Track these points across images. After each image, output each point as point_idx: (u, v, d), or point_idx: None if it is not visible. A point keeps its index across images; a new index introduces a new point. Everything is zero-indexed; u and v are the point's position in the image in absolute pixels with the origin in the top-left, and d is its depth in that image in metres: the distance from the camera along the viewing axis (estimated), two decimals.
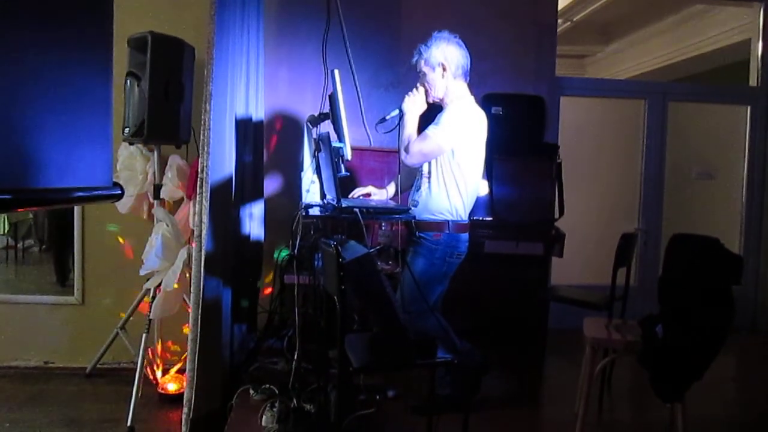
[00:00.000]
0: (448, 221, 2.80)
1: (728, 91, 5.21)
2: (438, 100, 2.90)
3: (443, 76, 2.84)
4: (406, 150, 2.78)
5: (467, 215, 2.89)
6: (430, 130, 2.77)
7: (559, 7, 4.68)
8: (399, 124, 2.87)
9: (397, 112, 2.90)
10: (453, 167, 2.78)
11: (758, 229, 4.90)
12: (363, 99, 4.11)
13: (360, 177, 3.81)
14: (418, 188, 2.90)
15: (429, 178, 2.83)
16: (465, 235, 2.88)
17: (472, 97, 2.91)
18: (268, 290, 3.89)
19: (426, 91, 2.89)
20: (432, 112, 2.89)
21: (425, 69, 2.86)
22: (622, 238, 3.37)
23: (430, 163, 2.83)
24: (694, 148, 5.04)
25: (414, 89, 2.90)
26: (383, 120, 2.93)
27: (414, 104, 2.87)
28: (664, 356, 2.42)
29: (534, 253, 3.84)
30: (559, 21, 5.28)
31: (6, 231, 4.68)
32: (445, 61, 2.82)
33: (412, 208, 2.86)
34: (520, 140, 4.09)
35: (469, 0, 4.28)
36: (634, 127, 4.90)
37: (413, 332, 2.45)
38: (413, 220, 2.82)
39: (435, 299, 2.88)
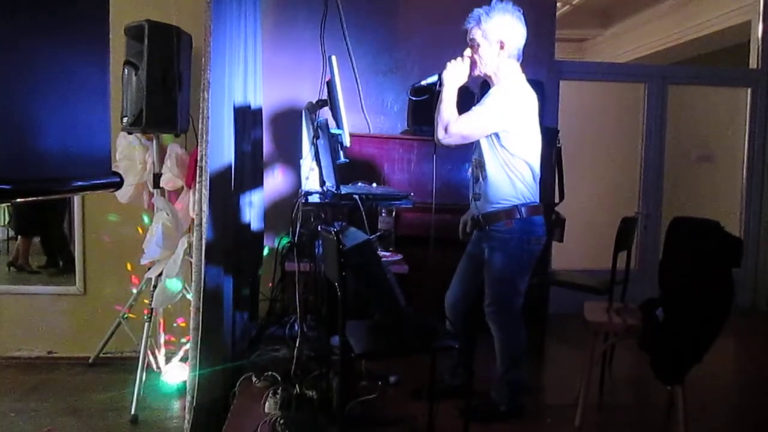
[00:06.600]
0: (516, 206, 2.54)
1: (728, 74, 5.19)
2: (485, 76, 2.62)
3: (498, 54, 2.53)
4: (446, 130, 2.49)
5: (537, 197, 2.63)
6: (475, 111, 2.51)
7: None
8: (436, 95, 2.57)
9: (435, 78, 2.59)
10: (504, 151, 2.52)
11: (758, 211, 4.90)
12: (362, 85, 4.11)
13: (359, 164, 3.80)
14: (477, 179, 2.64)
15: (483, 167, 2.58)
16: (540, 218, 2.61)
17: (523, 76, 2.61)
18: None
19: (472, 62, 2.58)
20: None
21: (480, 40, 2.53)
22: (622, 222, 3.36)
23: (481, 151, 2.59)
24: (694, 131, 5.02)
25: (459, 57, 2.57)
26: (420, 86, 2.65)
27: (456, 74, 2.55)
28: (664, 339, 2.43)
29: None
30: (558, 4, 5.26)
31: (6, 222, 4.69)
32: (505, 38, 2.52)
33: (474, 201, 2.67)
34: None
35: None
36: (633, 111, 4.88)
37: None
38: (480, 215, 2.62)
39: (523, 295, 2.66)
